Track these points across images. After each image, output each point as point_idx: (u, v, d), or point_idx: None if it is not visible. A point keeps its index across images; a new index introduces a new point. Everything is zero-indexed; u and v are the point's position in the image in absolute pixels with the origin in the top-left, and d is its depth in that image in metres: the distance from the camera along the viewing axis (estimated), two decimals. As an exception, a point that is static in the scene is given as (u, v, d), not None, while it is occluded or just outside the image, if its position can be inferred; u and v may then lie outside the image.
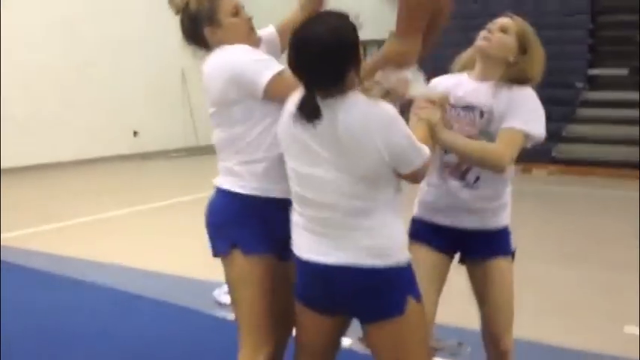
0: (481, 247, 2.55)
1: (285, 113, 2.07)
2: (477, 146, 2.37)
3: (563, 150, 10.77)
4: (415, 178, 2.05)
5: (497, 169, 2.37)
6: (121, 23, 11.87)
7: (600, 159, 10.45)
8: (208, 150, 12.04)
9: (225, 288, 4.28)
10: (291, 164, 2.08)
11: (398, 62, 2.23)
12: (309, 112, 1.95)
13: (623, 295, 4.57)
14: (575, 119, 11.20)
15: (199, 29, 2.31)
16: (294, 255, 2.11)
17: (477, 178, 2.47)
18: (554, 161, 10.62)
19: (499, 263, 2.53)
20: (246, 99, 2.19)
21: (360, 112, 1.93)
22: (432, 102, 2.30)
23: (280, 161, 2.16)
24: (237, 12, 2.31)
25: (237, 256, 2.26)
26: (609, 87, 11.90)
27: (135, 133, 12.22)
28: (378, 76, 2.22)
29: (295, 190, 2.08)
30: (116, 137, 11.88)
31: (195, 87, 12.83)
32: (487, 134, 2.41)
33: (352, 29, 1.95)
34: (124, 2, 11.97)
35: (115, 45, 11.76)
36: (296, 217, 2.10)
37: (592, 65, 12.24)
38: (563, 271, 5.24)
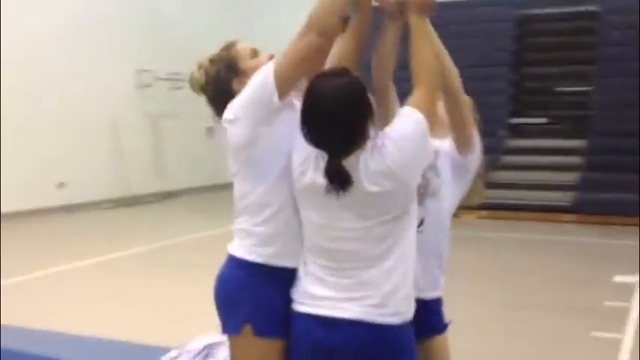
0: (418, 325, 2.13)
1: (296, 166, 1.99)
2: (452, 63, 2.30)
3: (490, 195, 11.03)
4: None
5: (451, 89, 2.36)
6: (46, 63, 11.08)
7: (521, 204, 10.76)
8: (139, 200, 11.77)
9: (173, 354, 3.95)
10: (308, 215, 1.99)
11: None
12: (341, 181, 1.88)
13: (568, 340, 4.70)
14: (500, 166, 11.56)
15: (228, 89, 2.18)
16: (294, 310, 2.01)
17: (422, 221, 2.28)
18: (482, 206, 10.85)
19: (438, 341, 2.37)
20: (265, 126, 2.04)
21: (378, 158, 1.90)
22: None
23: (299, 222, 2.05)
24: (255, 54, 2.25)
25: (248, 335, 2.06)
26: (530, 135, 12.55)
27: (61, 184, 11.64)
28: None
29: (311, 239, 2.00)
30: (40, 189, 11.12)
31: (128, 133, 12.43)
32: (434, 168, 2.39)
33: (360, 84, 1.92)
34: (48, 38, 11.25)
35: (39, 88, 11.00)
36: (308, 267, 2.00)
37: (513, 114, 12.79)
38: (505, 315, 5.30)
